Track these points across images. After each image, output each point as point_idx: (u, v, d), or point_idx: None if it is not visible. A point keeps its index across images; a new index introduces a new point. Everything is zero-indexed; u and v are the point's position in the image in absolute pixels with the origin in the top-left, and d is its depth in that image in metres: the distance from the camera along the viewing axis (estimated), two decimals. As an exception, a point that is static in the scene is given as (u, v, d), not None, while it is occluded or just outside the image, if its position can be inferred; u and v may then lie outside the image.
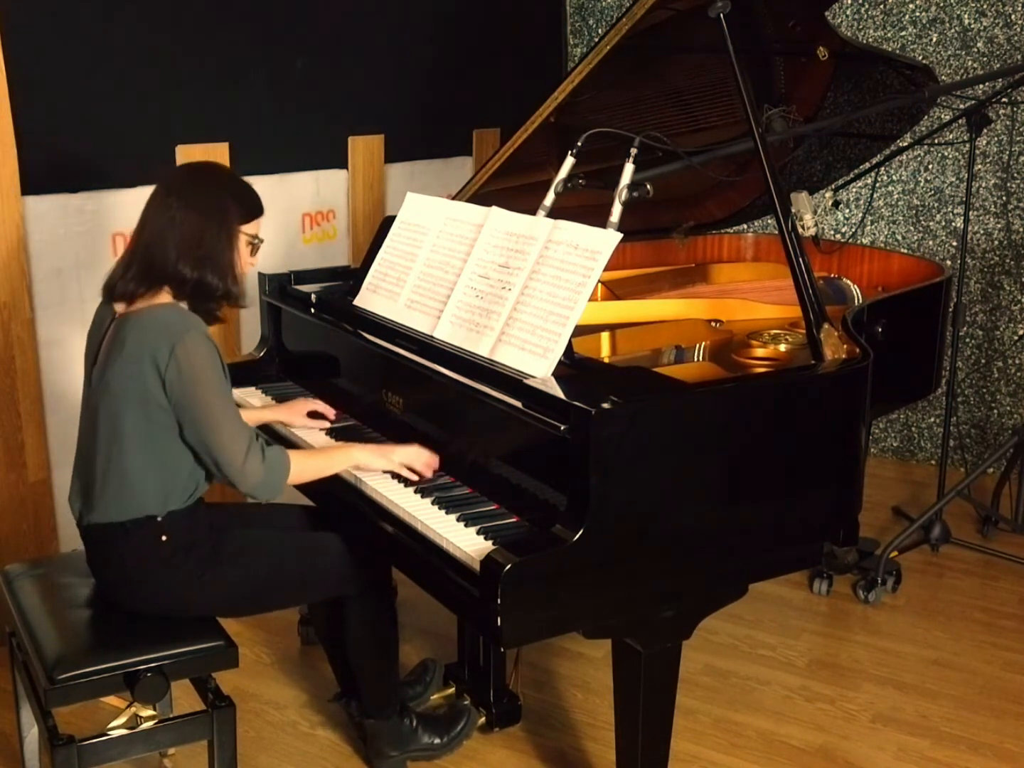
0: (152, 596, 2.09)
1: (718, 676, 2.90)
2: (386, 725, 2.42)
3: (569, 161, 2.52)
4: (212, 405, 2.01)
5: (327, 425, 2.50)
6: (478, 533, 1.94)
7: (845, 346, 2.20)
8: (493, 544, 1.88)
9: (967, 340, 4.27)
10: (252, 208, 2.18)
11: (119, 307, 2.12)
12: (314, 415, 2.54)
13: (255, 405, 2.67)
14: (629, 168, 2.36)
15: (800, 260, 2.23)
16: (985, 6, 4.02)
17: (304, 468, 2.14)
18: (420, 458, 2.17)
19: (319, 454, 2.24)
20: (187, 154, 3.26)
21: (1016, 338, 4.19)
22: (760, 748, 2.60)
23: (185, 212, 2.07)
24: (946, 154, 4.18)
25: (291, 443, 2.46)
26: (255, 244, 2.18)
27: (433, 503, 2.08)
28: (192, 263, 2.07)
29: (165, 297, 2.09)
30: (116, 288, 2.10)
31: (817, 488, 2.13)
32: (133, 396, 2.01)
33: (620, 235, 2.07)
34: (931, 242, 4.28)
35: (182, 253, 2.06)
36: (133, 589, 2.09)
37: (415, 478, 2.15)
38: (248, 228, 2.16)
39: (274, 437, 2.52)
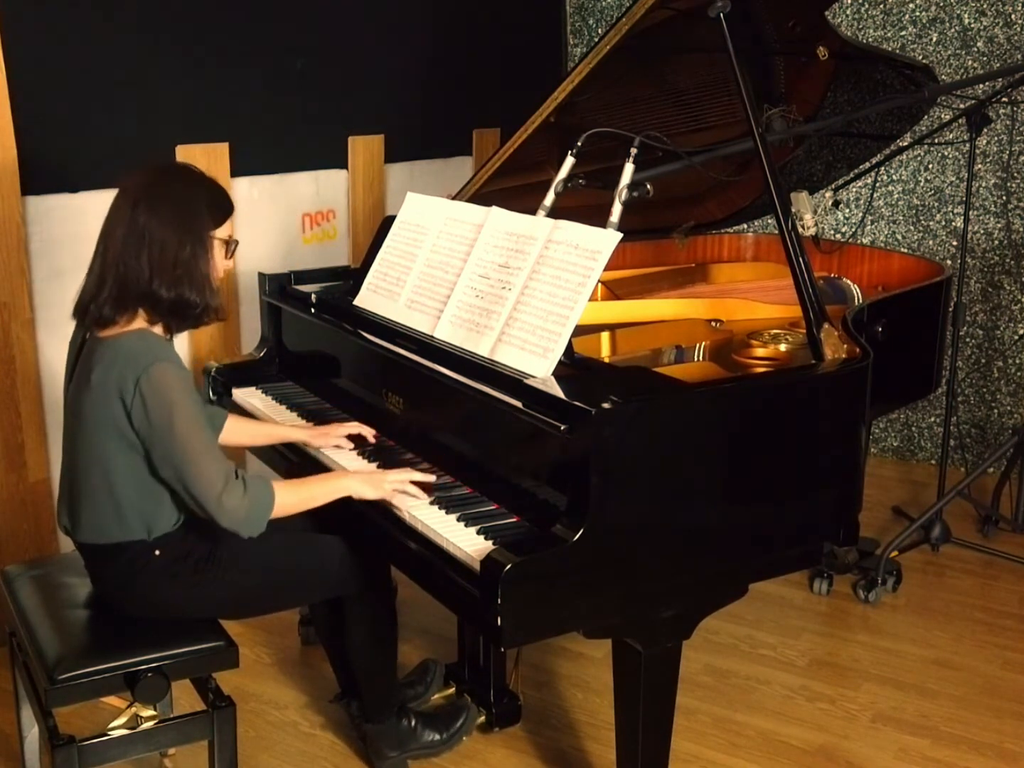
0: (151, 602, 2.08)
1: (718, 676, 2.90)
2: (385, 727, 2.41)
3: (569, 161, 2.52)
4: (183, 436, 1.93)
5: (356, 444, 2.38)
6: (478, 533, 1.94)
7: (845, 346, 2.20)
8: (493, 544, 1.88)
9: (967, 340, 4.27)
10: (224, 210, 2.08)
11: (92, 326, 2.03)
12: (353, 438, 2.40)
13: (278, 420, 2.60)
14: (629, 168, 2.36)
15: (800, 260, 2.23)
16: (985, 6, 4.02)
17: (290, 501, 2.04)
18: (413, 477, 2.10)
19: (307, 484, 2.11)
20: (187, 154, 3.26)
21: (1016, 338, 4.19)
22: (760, 748, 2.60)
23: (155, 226, 1.96)
24: (946, 154, 4.18)
25: (316, 461, 2.38)
26: (230, 246, 2.10)
27: (433, 503, 2.07)
28: (168, 282, 1.97)
29: (138, 321, 2.01)
30: (90, 311, 1.99)
31: (817, 488, 2.13)
32: (105, 428, 1.96)
33: (620, 235, 2.07)
34: (931, 242, 4.28)
35: (156, 272, 1.96)
36: (131, 597, 2.08)
37: (405, 507, 2.07)
38: (221, 232, 2.07)
39: (296, 454, 2.46)
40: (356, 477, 2.13)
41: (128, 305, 1.99)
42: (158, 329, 2.04)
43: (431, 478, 2.13)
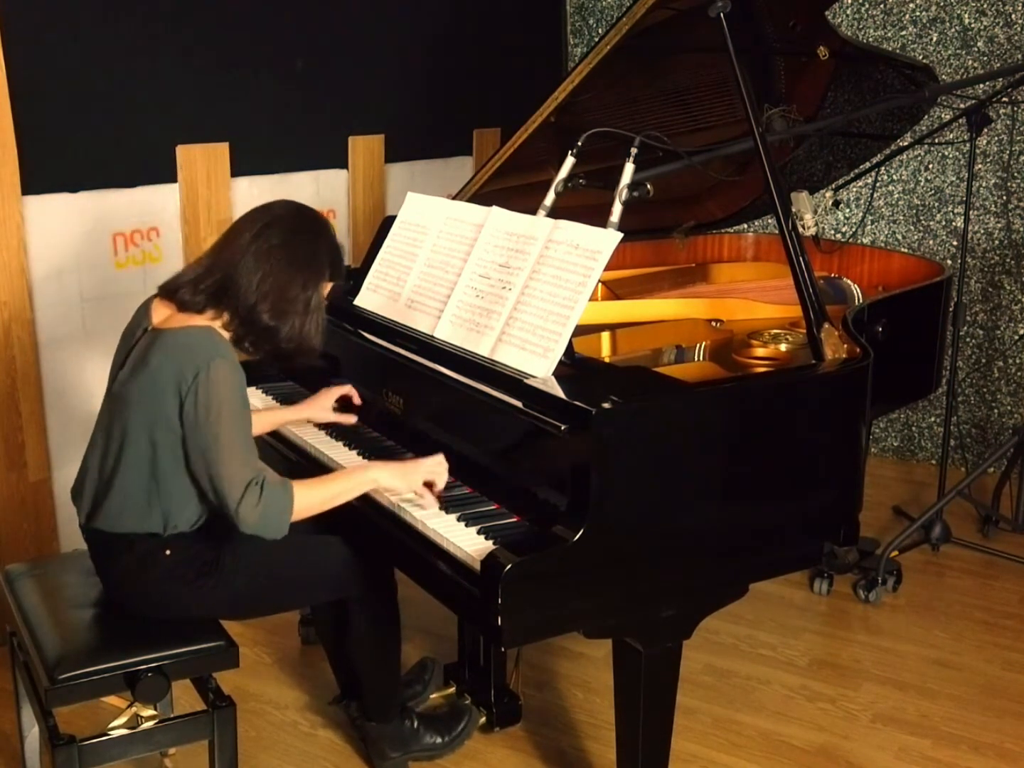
0: (155, 602, 2.08)
1: (719, 676, 2.90)
2: (388, 727, 2.41)
3: (569, 161, 2.52)
4: (223, 437, 1.94)
5: (353, 419, 2.41)
6: (479, 533, 1.94)
7: (845, 346, 2.20)
8: (494, 544, 1.88)
9: (967, 339, 4.27)
10: (338, 274, 2.15)
11: (156, 316, 2.06)
12: (341, 405, 2.44)
13: (276, 406, 2.61)
14: (629, 168, 2.37)
15: (800, 260, 2.23)
16: (985, 5, 4.02)
17: (313, 501, 2.03)
18: (443, 468, 2.08)
19: (330, 482, 2.09)
20: (187, 154, 3.26)
21: (1016, 338, 4.19)
22: (761, 748, 2.60)
23: (283, 254, 2.02)
24: (946, 154, 4.18)
25: (317, 461, 2.37)
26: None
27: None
28: (272, 311, 2.02)
29: (210, 319, 2.03)
30: (179, 294, 2.03)
31: (818, 488, 2.13)
32: (149, 417, 1.97)
33: (620, 235, 2.07)
34: (931, 242, 4.28)
35: (265, 295, 2.00)
36: (135, 594, 2.08)
37: (434, 503, 2.05)
38: (324, 290, 2.13)
39: (296, 452, 2.45)
40: (385, 468, 2.10)
41: (219, 304, 2.02)
42: (226, 333, 2.05)
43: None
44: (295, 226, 2.08)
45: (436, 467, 2.09)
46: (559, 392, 1.94)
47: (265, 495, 1.97)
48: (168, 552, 2.05)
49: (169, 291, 2.07)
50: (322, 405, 2.45)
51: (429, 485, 2.08)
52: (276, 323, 2.03)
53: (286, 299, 2.03)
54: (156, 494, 2.02)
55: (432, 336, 2.30)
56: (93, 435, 2.14)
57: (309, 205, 2.18)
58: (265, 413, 2.51)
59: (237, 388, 1.98)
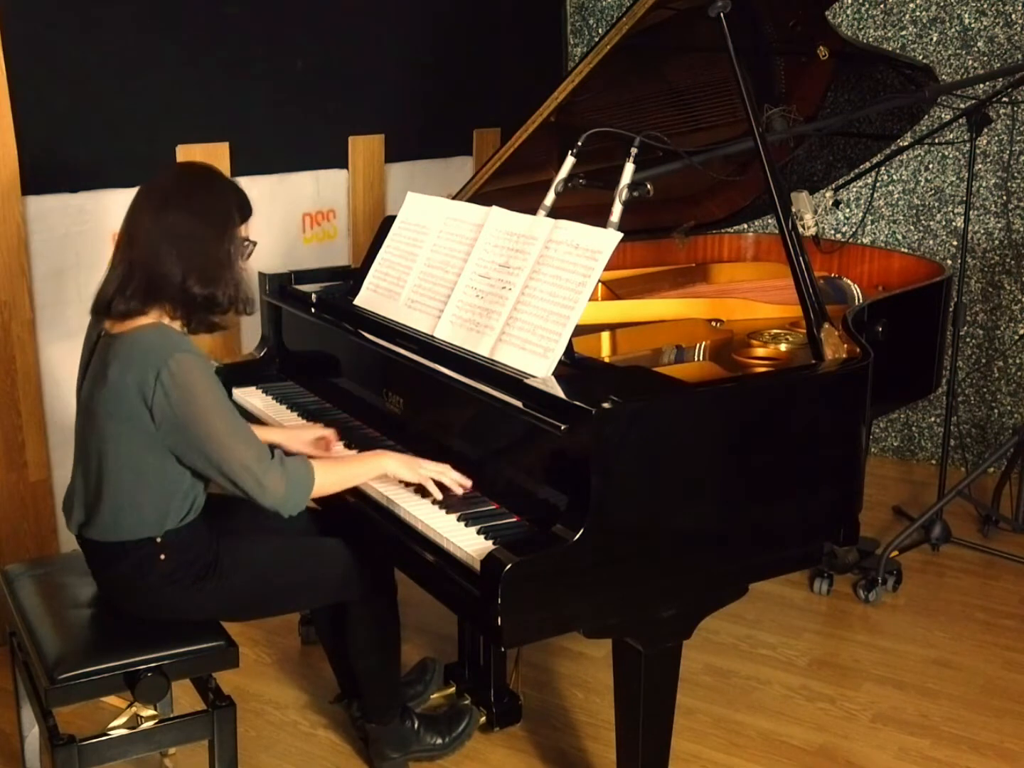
0: (154, 605, 2.08)
1: (718, 676, 2.90)
2: (387, 728, 2.41)
3: (569, 161, 2.52)
4: (213, 424, 1.93)
5: (331, 453, 2.32)
6: (478, 533, 1.94)
7: (846, 345, 2.20)
8: (493, 544, 1.88)
9: (967, 339, 4.27)
10: (247, 209, 2.09)
11: (107, 322, 2.04)
12: (319, 443, 2.36)
13: (278, 420, 2.58)
14: (629, 168, 2.36)
15: (800, 259, 2.23)
16: (985, 5, 4.02)
17: (328, 480, 2.05)
18: (450, 473, 2.08)
19: (344, 463, 2.14)
20: (187, 154, 3.26)
21: (1016, 337, 4.19)
22: (760, 747, 2.60)
23: (188, 221, 1.97)
24: (946, 154, 4.18)
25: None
26: (248, 247, 2.10)
27: (433, 503, 2.07)
28: (202, 281, 1.98)
29: (158, 316, 2.00)
30: (112, 308, 1.99)
31: (818, 487, 2.13)
32: (120, 423, 1.95)
33: (620, 235, 2.07)
34: (931, 241, 4.28)
35: (190, 271, 1.96)
36: (133, 598, 2.08)
37: (439, 495, 2.06)
38: (242, 231, 2.08)
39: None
40: (394, 458, 2.12)
41: (155, 300, 1.99)
42: (177, 324, 2.04)
43: (467, 483, 2.09)
44: (184, 188, 2.03)
45: (441, 467, 2.09)
46: (559, 392, 1.94)
47: (288, 465, 1.98)
48: (163, 557, 2.04)
49: (102, 309, 2.02)
50: (299, 437, 2.36)
51: (440, 486, 2.07)
52: (211, 290, 1.99)
53: (211, 261, 1.99)
54: (145, 496, 2.01)
55: (432, 336, 2.30)
56: (75, 450, 2.12)
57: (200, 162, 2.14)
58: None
59: (206, 375, 1.96)
